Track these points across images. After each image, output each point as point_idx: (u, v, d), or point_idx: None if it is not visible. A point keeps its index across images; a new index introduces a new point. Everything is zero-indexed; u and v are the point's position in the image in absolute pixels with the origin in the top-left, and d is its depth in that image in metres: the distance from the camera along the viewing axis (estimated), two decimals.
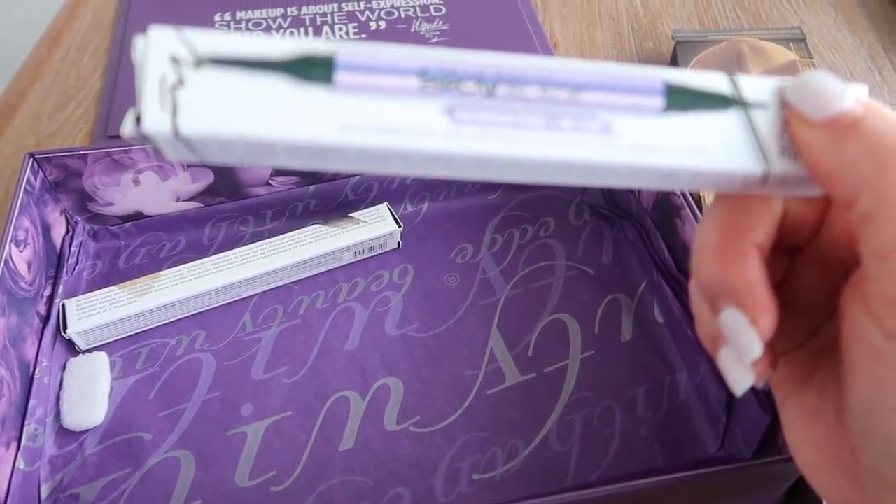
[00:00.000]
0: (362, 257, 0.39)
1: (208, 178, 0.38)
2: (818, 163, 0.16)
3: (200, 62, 0.15)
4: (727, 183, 0.17)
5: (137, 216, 0.39)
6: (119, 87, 0.49)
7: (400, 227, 0.39)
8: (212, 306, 0.37)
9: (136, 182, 0.37)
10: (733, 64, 0.48)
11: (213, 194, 0.39)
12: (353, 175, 0.40)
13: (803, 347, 0.20)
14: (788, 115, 0.17)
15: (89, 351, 0.35)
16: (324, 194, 0.40)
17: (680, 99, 0.17)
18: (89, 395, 0.33)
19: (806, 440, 0.19)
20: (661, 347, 0.36)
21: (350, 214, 0.39)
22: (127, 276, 0.38)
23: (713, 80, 0.17)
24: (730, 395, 0.32)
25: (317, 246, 0.38)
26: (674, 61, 0.50)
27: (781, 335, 0.20)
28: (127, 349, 0.35)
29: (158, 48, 0.14)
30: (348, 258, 0.39)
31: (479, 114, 0.15)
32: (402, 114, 0.15)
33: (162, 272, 0.36)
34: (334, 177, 0.40)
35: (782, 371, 0.20)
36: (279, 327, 0.36)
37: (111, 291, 0.35)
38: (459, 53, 0.16)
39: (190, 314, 0.37)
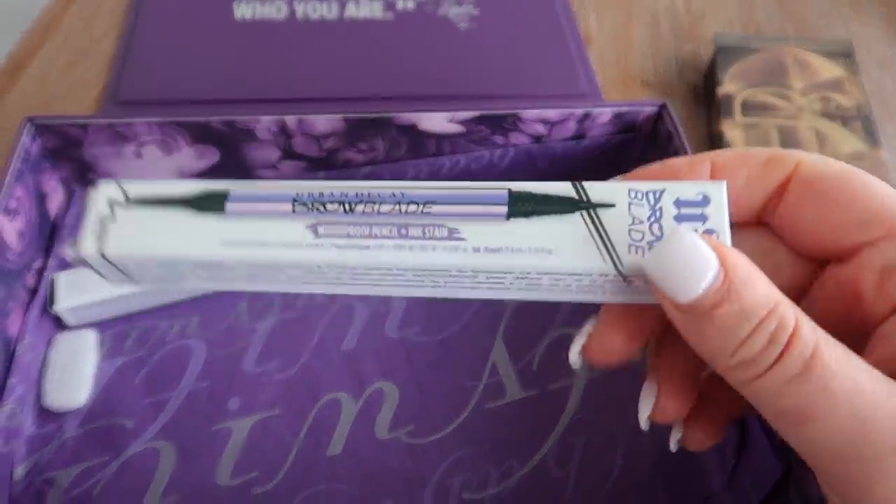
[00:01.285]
0: None
1: (214, 157, 0.36)
2: (686, 337, 0.16)
3: (130, 202, 0.19)
4: (588, 285, 0.18)
5: None
6: (133, 50, 0.47)
7: None
8: (207, 292, 0.35)
9: (139, 155, 0.36)
10: (775, 75, 0.46)
11: (218, 174, 0.37)
12: (365, 164, 0.38)
13: None
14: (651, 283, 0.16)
15: (77, 328, 0.34)
16: None
17: (523, 205, 0.18)
18: (73, 375, 0.32)
19: None
20: None
21: None
22: None
23: (558, 186, 0.18)
24: (742, 437, 0.30)
25: None
26: (712, 68, 0.48)
27: None
28: (116, 329, 0.34)
29: (102, 193, 0.19)
30: None
31: (338, 228, 0.18)
32: (275, 231, 0.18)
33: None
34: (344, 164, 0.38)
35: None
36: (275, 319, 0.35)
37: None
38: (329, 183, 0.19)
39: (185, 298, 0.35)
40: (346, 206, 0.18)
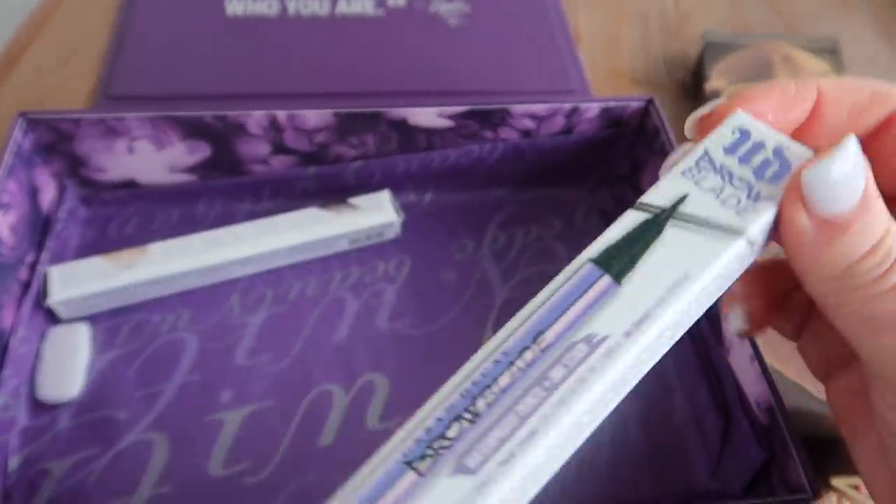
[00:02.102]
0: (358, 245, 0.38)
1: (205, 152, 0.37)
2: (796, 252, 0.17)
3: None
4: (727, 276, 0.17)
5: (131, 184, 0.38)
6: (125, 46, 0.47)
7: (399, 216, 0.37)
8: (199, 285, 0.36)
9: (131, 150, 0.36)
10: (762, 70, 0.46)
11: (210, 168, 0.38)
12: (356, 159, 0.38)
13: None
14: (789, 186, 0.17)
15: (70, 321, 0.34)
16: (324, 177, 0.39)
17: (618, 261, 0.16)
18: (67, 368, 0.32)
19: (878, 472, 0.19)
20: (660, 367, 0.34)
21: (349, 200, 0.38)
22: (116, 244, 0.37)
23: (625, 222, 0.17)
24: (726, 426, 0.30)
25: (312, 230, 0.36)
26: (700, 64, 0.48)
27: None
28: (109, 322, 0.34)
29: None
30: (343, 245, 0.37)
31: (483, 445, 0.15)
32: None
33: (150, 246, 0.35)
34: (335, 159, 0.38)
35: (846, 407, 0.20)
36: (267, 312, 0.35)
37: (96, 262, 0.34)
38: (420, 417, 0.16)
39: (177, 292, 0.35)
40: (466, 418, 0.15)
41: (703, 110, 0.19)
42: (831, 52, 0.48)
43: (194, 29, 0.49)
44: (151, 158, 0.36)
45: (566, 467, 0.31)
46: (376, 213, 0.37)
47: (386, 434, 0.31)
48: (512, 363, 0.16)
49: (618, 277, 0.16)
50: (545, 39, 0.50)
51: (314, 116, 0.36)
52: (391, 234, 0.38)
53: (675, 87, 0.50)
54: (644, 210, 0.17)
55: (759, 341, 0.29)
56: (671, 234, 0.16)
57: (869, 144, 0.18)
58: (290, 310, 0.35)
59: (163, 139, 0.36)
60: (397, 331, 0.35)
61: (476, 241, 0.39)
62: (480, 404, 0.15)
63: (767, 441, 0.28)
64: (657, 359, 0.17)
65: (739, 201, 0.17)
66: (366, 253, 0.38)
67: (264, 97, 0.45)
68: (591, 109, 0.37)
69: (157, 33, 0.48)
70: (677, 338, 0.17)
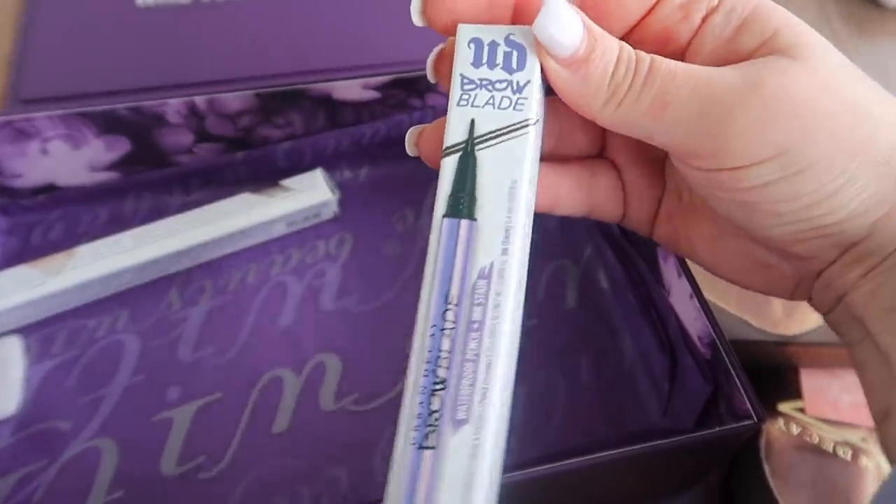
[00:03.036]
0: (296, 227, 0.37)
1: (125, 147, 0.35)
2: (566, 92, 0.20)
3: None
4: (537, 148, 0.21)
5: (50, 188, 0.36)
6: (32, 45, 0.45)
7: (335, 194, 0.37)
8: (135, 284, 0.35)
9: (45, 152, 0.34)
10: None
11: (133, 163, 0.36)
12: (284, 140, 0.37)
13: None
14: (537, 48, 0.20)
15: (1, 335, 0.32)
16: (253, 161, 0.38)
17: (463, 203, 0.20)
18: (1, 383, 0.31)
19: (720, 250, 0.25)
20: (606, 314, 0.35)
21: (281, 183, 0.37)
22: (42, 252, 0.35)
23: (448, 167, 0.20)
24: (672, 364, 0.31)
25: (246, 217, 0.35)
26: None
27: None
28: (42, 332, 0.33)
29: None
30: (281, 229, 0.37)
31: (454, 396, 0.18)
32: None
33: (77, 248, 0.33)
34: (264, 142, 0.37)
35: (671, 230, 0.26)
36: (208, 304, 0.34)
37: (21, 270, 0.33)
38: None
39: (111, 293, 0.34)
40: (439, 386, 0.18)
41: (435, 50, 0.24)
42: None
43: (104, 23, 0.47)
44: (68, 159, 0.35)
45: (524, 419, 0.31)
46: (311, 193, 0.37)
47: (342, 413, 0.31)
48: (443, 329, 0.19)
49: (470, 216, 0.19)
50: None
51: (235, 99, 0.35)
52: (328, 213, 0.38)
53: None
54: (453, 152, 0.19)
55: (699, 279, 0.29)
56: (483, 156, 0.19)
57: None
58: (231, 299, 0.35)
59: (78, 137, 0.34)
60: (344, 309, 0.35)
61: (416, 211, 0.39)
62: (441, 372, 0.18)
63: (712, 374, 0.28)
64: (529, 244, 0.21)
65: (511, 99, 0.20)
66: (305, 234, 0.37)
67: (184, 87, 0.43)
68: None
69: (65, 30, 0.46)
70: (532, 218, 0.21)
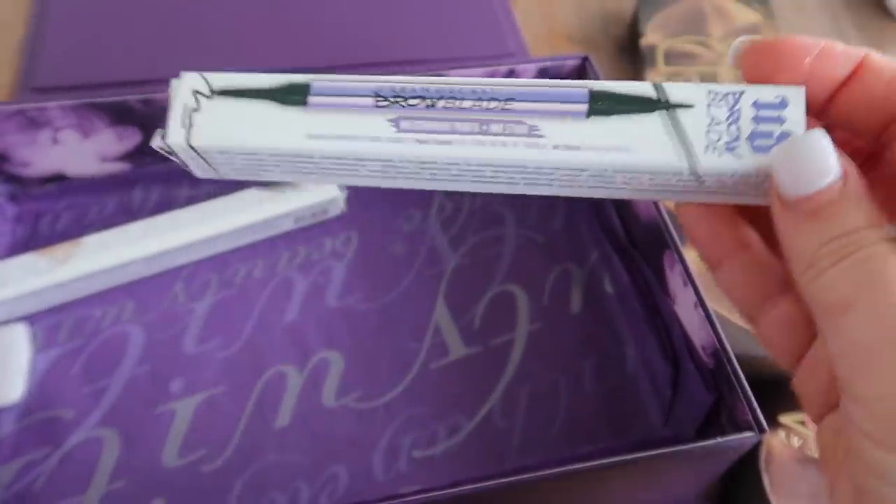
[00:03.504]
0: (303, 224, 0.37)
1: (135, 138, 0.35)
2: (777, 229, 0.17)
3: (213, 93, 0.19)
4: (662, 183, 0.18)
5: (60, 177, 0.36)
6: (44, 34, 0.45)
7: (343, 192, 0.37)
8: (142, 275, 0.35)
9: (55, 141, 0.34)
10: (695, 23, 0.47)
11: (143, 155, 0.36)
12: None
13: None
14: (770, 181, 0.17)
15: (7, 323, 0.33)
16: None
17: (603, 104, 0.18)
18: (7, 370, 0.31)
19: None
20: (610, 320, 0.35)
21: None
22: (50, 241, 0.35)
23: (638, 87, 0.18)
24: (675, 372, 0.31)
25: (255, 212, 0.35)
26: (635, 19, 0.48)
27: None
28: (49, 320, 0.33)
29: (186, 84, 0.19)
30: (288, 225, 0.37)
31: (420, 123, 0.18)
32: (357, 124, 0.19)
33: (84, 238, 0.34)
34: None
35: (831, 447, 0.18)
36: (213, 298, 0.34)
37: (29, 259, 0.33)
38: (410, 77, 0.19)
39: (118, 284, 0.34)
40: (429, 102, 0.19)
41: (745, 41, 0.19)
42: (761, 2, 0.48)
43: (116, 13, 0.47)
44: (79, 148, 0.35)
45: (526, 423, 0.31)
46: (319, 190, 0.37)
47: (343, 410, 0.31)
48: (481, 100, 0.18)
49: (591, 113, 0.18)
50: (481, 3, 0.50)
51: None
52: (336, 210, 0.38)
53: (613, 44, 0.50)
54: (657, 90, 0.18)
55: (703, 288, 0.29)
56: (653, 120, 0.18)
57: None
58: (237, 293, 0.35)
59: (88, 127, 0.34)
60: (348, 307, 0.35)
61: (423, 212, 0.39)
62: (441, 103, 0.19)
63: (714, 383, 0.28)
64: (552, 190, 0.20)
65: (719, 141, 0.17)
66: (312, 231, 0.37)
67: None
68: (528, 70, 0.37)
69: (77, 20, 0.46)
70: (581, 193, 0.20)
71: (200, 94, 0.19)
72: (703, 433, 0.29)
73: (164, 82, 0.43)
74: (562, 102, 0.18)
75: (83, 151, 0.35)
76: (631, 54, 0.49)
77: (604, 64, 0.48)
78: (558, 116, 0.18)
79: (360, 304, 0.35)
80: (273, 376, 0.32)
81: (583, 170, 0.18)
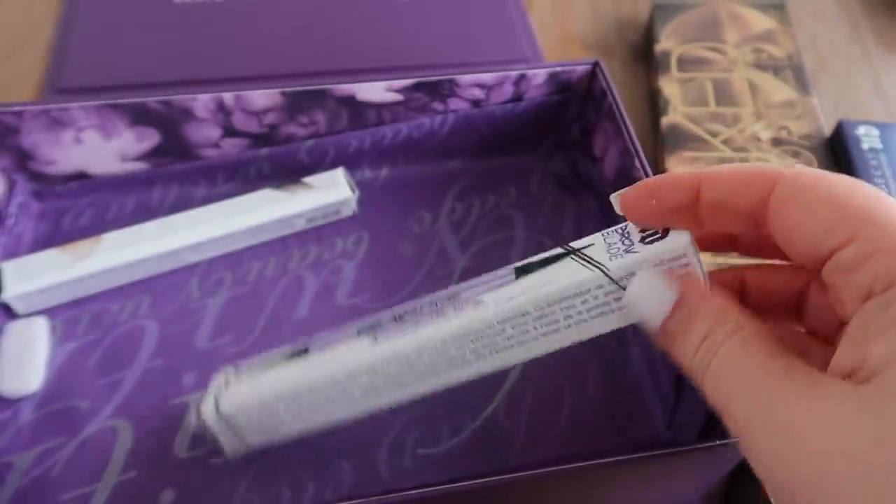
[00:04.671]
0: (316, 224, 0.38)
1: (154, 139, 0.36)
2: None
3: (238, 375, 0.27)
4: (594, 305, 0.22)
5: (82, 176, 0.38)
6: (71, 37, 0.47)
7: (355, 193, 0.38)
8: (158, 272, 0.36)
9: (78, 140, 0.36)
10: (710, 29, 0.47)
11: (161, 155, 0.38)
12: (308, 138, 0.38)
13: None
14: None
15: (28, 315, 0.34)
16: (277, 158, 0.39)
17: (526, 268, 0.23)
18: (26, 361, 0.32)
19: None
20: None
21: (303, 179, 0.38)
22: (71, 237, 0.37)
23: (550, 252, 0.23)
24: (679, 376, 0.31)
25: (268, 211, 0.36)
26: (650, 25, 0.48)
27: None
28: (68, 314, 0.34)
29: (216, 381, 0.27)
30: (301, 225, 0.38)
31: (392, 332, 0.24)
32: (348, 351, 0.25)
33: (104, 235, 0.35)
34: (287, 140, 0.38)
35: None
36: (227, 294, 0.35)
37: (51, 254, 0.34)
38: (383, 312, 0.25)
39: (135, 279, 0.35)
40: (396, 318, 0.24)
41: (619, 193, 0.23)
42: (777, 8, 0.48)
43: (141, 17, 0.48)
44: (100, 148, 0.36)
45: (529, 423, 0.32)
46: (331, 190, 0.37)
47: None
48: (436, 303, 0.25)
49: (518, 275, 0.23)
50: (496, 8, 0.50)
51: (261, 97, 0.36)
52: (347, 211, 0.38)
53: (627, 50, 0.50)
54: (565, 248, 0.23)
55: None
56: (565, 262, 0.22)
57: (761, 218, 0.19)
58: (249, 291, 0.36)
59: (110, 128, 0.35)
60: (357, 306, 0.35)
61: (433, 214, 0.39)
62: (407, 316, 0.25)
63: None
64: (511, 352, 0.24)
65: (619, 250, 0.22)
66: (323, 231, 0.38)
67: (214, 82, 0.44)
68: (539, 76, 0.37)
69: (103, 23, 0.48)
70: (536, 347, 0.24)
71: (227, 379, 0.27)
72: (704, 437, 0.29)
73: (182, 85, 0.45)
74: (495, 279, 0.23)
75: (104, 151, 0.36)
76: (645, 60, 0.49)
77: (618, 70, 0.49)
78: (496, 288, 0.23)
79: (369, 304, 0.35)
80: None
81: (524, 314, 0.22)
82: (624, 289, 0.21)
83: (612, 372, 0.33)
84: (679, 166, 0.40)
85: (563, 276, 0.22)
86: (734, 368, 0.18)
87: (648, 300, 0.20)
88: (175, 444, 0.31)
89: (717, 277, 0.22)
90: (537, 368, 0.33)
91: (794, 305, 0.22)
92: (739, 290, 0.22)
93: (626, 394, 0.33)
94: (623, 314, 0.22)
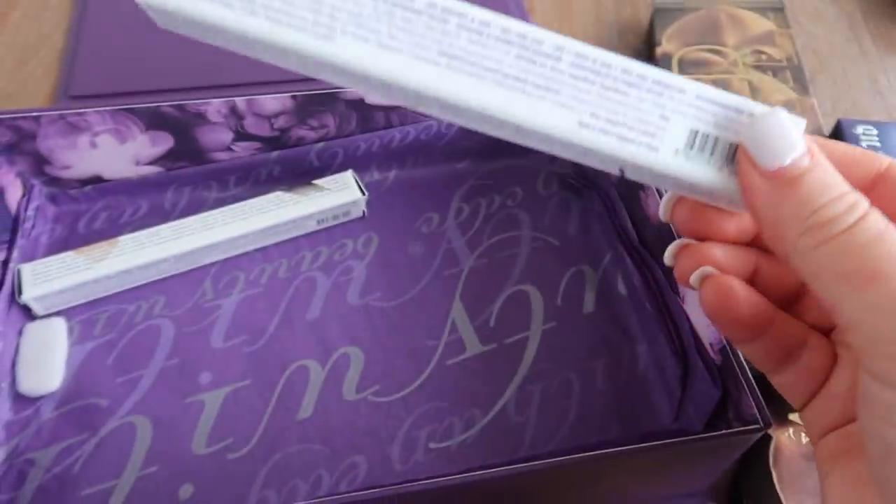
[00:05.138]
0: (326, 225, 0.39)
1: (168, 143, 0.37)
2: (758, 210, 0.17)
3: None
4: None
5: (97, 180, 0.38)
6: (82, 44, 0.47)
7: (364, 195, 0.38)
8: (172, 273, 0.36)
9: (94, 145, 0.36)
10: (710, 32, 0.48)
11: (174, 159, 0.38)
12: (318, 142, 0.39)
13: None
14: (739, 151, 0.18)
15: (46, 316, 0.34)
16: (288, 161, 0.39)
17: None
18: (46, 361, 0.33)
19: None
20: (622, 320, 0.36)
21: (314, 182, 0.38)
22: (87, 240, 0.37)
23: None
24: (685, 369, 0.32)
25: (279, 213, 0.37)
26: (651, 29, 0.49)
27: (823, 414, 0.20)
28: (85, 315, 0.35)
29: None
30: (312, 226, 0.38)
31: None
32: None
33: (120, 238, 0.35)
34: (297, 143, 0.39)
35: (828, 447, 0.19)
36: (240, 295, 0.36)
37: (68, 257, 0.35)
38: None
39: (150, 281, 0.36)
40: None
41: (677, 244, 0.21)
42: (776, 10, 0.49)
43: (150, 24, 0.49)
44: (115, 152, 0.37)
45: (538, 416, 0.32)
46: (341, 192, 0.38)
47: (363, 403, 0.33)
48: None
49: None
50: (498, 11, 0.51)
51: (272, 101, 0.36)
52: (357, 212, 0.39)
53: (629, 53, 0.51)
54: None
55: None
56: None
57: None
58: (262, 291, 0.36)
59: (125, 132, 0.36)
60: (369, 305, 0.36)
61: (441, 214, 0.40)
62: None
63: (722, 379, 0.29)
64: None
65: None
66: (334, 232, 0.39)
67: (224, 87, 0.45)
68: None
69: (114, 30, 0.48)
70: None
71: None
72: (710, 427, 0.30)
73: (195, 90, 0.45)
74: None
75: (119, 155, 0.37)
76: (647, 63, 0.50)
77: None
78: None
79: (380, 303, 0.36)
80: (296, 370, 0.34)
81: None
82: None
83: (619, 367, 0.34)
84: None
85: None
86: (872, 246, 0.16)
87: (772, 140, 0.17)
88: (193, 441, 0.31)
89: (736, 251, 0.20)
90: (546, 364, 0.34)
91: (798, 297, 0.22)
92: (753, 270, 0.20)
93: (633, 388, 0.33)
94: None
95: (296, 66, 0.18)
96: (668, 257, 0.21)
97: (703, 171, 0.18)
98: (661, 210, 0.21)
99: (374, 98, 0.37)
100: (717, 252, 0.20)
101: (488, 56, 0.18)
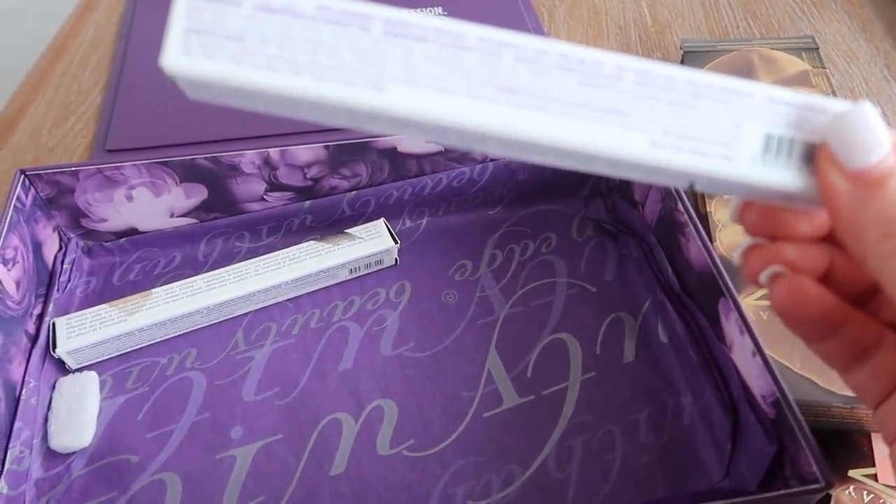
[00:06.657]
0: (358, 274, 0.38)
1: (202, 194, 0.37)
2: (837, 210, 0.16)
3: None
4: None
5: (132, 232, 0.39)
6: (119, 101, 0.48)
7: (397, 243, 0.38)
8: (204, 324, 0.36)
9: (129, 198, 0.37)
10: (743, 74, 0.47)
11: (208, 210, 0.38)
12: (351, 190, 0.39)
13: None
14: (819, 150, 0.17)
15: (79, 370, 0.34)
16: (320, 210, 0.39)
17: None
18: (78, 416, 0.32)
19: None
20: (665, 369, 0.34)
21: (346, 230, 0.38)
22: (121, 292, 0.37)
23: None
24: (735, 423, 0.30)
25: (312, 263, 0.37)
26: None
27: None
28: (118, 368, 0.35)
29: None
30: (344, 275, 0.38)
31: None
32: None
33: (153, 290, 0.35)
34: (330, 192, 0.39)
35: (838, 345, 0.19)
36: (272, 346, 0.36)
37: (101, 310, 0.35)
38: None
39: (182, 332, 0.36)
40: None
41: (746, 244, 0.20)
42: (810, 50, 0.48)
43: None
44: (150, 205, 0.37)
45: (580, 473, 0.31)
46: (374, 241, 0.38)
47: (397, 458, 0.32)
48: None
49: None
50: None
51: (306, 151, 0.36)
52: (389, 260, 0.39)
53: None
54: None
55: (761, 336, 0.29)
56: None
57: None
58: (295, 342, 0.36)
59: (160, 185, 0.36)
60: (402, 355, 0.35)
61: (474, 262, 0.39)
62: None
63: (776, 434, 0.28)
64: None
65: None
66: (366, 281, 0.38)
67: (258, 139, 0.46)
68: None
69: (150, 87, 0.49)
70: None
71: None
72: (765, 486, 0.28)
73: (229, 142, 0.46)
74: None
75: (154, 207, 0.37)
76: None
77: None
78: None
79: (413, 353, 0.35)
80: (329, 424, 0.33)
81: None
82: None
83: (663, 420, 0.33)
84: (722, 210, 0.40)
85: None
86: None
87: (858, 138, 0.16)
88: (224, 498, 0.30)
89: (808, 249, 0.19)
90: (586, 416, 0.33)
91: (874, 293, 0.20)
92: (826, 267, 0.19)
93: (680, 442, 0.32)
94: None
95: (344, 122, 0.17)
96: (737, 258, 0.20)
97: (780, 175, 0.17)
98: (730, 214, 0.20)
99: (419, 142, 0.37)
100: (789, 251, 0.19)
101: (549, 85, 0.17)
